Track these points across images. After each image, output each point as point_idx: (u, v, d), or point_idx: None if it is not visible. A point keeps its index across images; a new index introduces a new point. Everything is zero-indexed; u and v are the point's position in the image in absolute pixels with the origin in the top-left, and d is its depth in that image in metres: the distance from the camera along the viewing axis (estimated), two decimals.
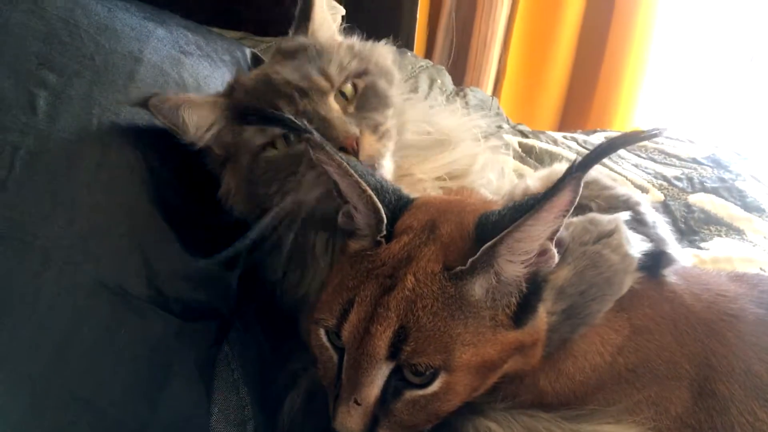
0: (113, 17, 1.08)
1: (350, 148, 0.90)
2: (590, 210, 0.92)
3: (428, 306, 0.70)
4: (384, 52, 1.13)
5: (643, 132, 0.69)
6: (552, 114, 3.10)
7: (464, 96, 2.21)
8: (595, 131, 2.23)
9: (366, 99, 1.00)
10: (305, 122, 0.78)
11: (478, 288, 0.71)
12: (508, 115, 2.41)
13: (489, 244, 0.68)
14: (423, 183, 1.00)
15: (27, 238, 0.72)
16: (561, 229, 0.70)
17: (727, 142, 2.08)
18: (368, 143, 0.93)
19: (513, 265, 0.71)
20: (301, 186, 0.93)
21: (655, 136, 0.68)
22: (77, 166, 0.84)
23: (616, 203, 0.96)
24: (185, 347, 0.83)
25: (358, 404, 0.72)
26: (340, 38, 1.13)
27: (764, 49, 2.86)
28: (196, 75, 1.16)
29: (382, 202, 0.77)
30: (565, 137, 2.05)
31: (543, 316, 0.76)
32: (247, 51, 1.54)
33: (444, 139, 1.09)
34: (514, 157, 1.85)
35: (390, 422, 0.73)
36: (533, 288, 0.73)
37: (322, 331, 0.76)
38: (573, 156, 1.86)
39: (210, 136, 0.99)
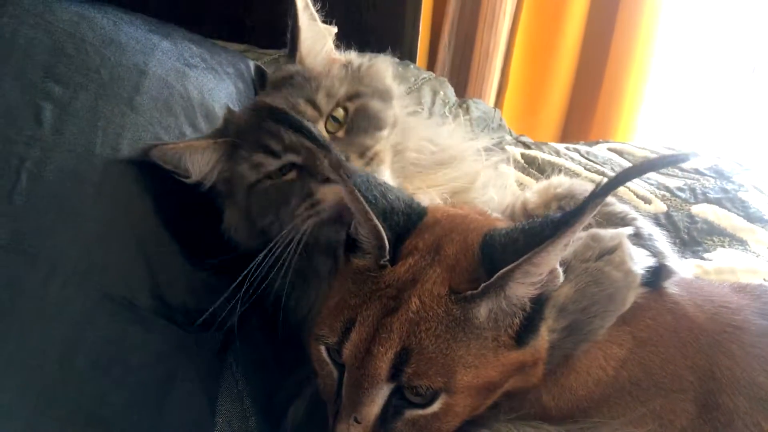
0: (118, 30, 1.09)
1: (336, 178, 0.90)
2: (590, 226, 0.92)
3: (432, 328, 0.69)
4: (382, 68, 1.12)
5: (669, 157, 0.66)
6: (554, 125, 3.10)
7: (467, 108, 2.22)
8: (597, 142, 2.23)
9: (356, 122, 0.99)
10: (325, 140, 0.77)
11: (483, 310, 0.70)
12: (511, 126, 2.41)
13: (506, 269, 0.67)
14: (424, 200, 0.99)
15: (33, 249, 0.73)
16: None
17: (730, 152, 2.08)
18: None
19: (523, 287, 0.70)
20: (294, 217, 0.92)
21: (683, 161, 0.67)
22: (83, 178, 0.85)
23: (614, 219, 0.97)
24: (189, 358, 0.84)
25: (358, 422, 0.71)
26: (336, 55, 1.12)
27: (766, 60, 2.86)
28: (201, 87, 1.17)
29: (389, 226, 0.76)
30: (567, 148, 2.05)
31: (544, 334, 0.75)
32: (251, 63, 1.55)
33: (446, 157, 1.08)
34: (516, 168, 1.85)
35: None
36: (537, 307, 0.72)
37: (322, 347, 0.76)
38: (575, 167, 1.87)
39: (215, 176, 1.00)
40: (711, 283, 0.96)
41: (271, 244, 0.91)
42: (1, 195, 0.74)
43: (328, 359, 0.76)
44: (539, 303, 0.72)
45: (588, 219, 0.64)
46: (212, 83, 1.21)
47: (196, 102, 1.13)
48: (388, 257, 0.75)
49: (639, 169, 0.65)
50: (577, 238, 0.81)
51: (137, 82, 1.02)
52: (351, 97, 1.01)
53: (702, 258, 1.41)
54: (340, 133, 0.98)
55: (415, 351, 0.69)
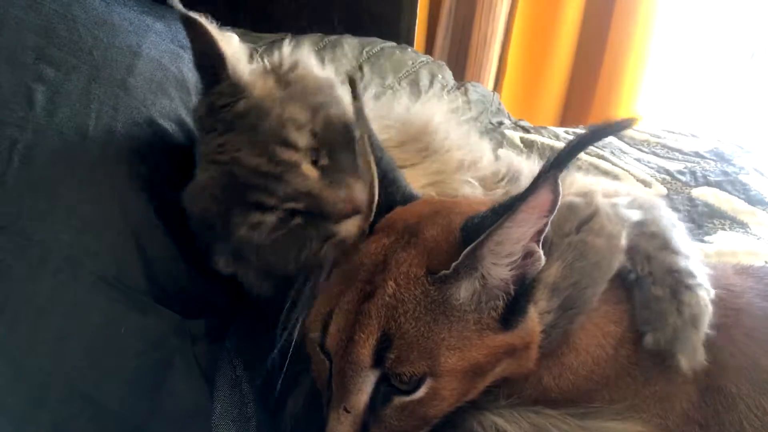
0: (111, 11, 1.07)
1: (350, 212, 0.83)
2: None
3: (410, 311, 0.69)
4: (308, 63, 0.98)
5: (613, 124, 0.65)
6: (553, 109, 3.09)
7: (465, 91, 2.20)
8: None
9: (332, 141, 0.88)
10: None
11: (463, 291, 0.70)
12: (509, 111, 2.40)
13: (470, 247, 0.67)
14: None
15: (25, 232, 0.71)
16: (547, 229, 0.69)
17: (730, 136, 2.07)
18: (359, 194, 0.84)
19: (498, 268, 0.69)
20: (319, 256, 0.85)
21: (626, 127, 0.65)
22: (75, 161, 0.83)
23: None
24: (185, 343, 0.83)
25: (348, 411, 0.71)
26: (253, 65, 0.97)
27: (765, 45, 2.85)
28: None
29: (385, 189, 0.78)
30: (567, 132, 2.05)
31: (535, 317, 0.75)
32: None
33: (414, 132, 1.03)
34: (517, 153, 1.84)
35: (380, 429, 0.72)
36: (522, 290, 0.72)
37: (313, 338, 0.76)
38: None
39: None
40: (713, 265, 0.95)
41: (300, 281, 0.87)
42: None
43: (318, 349, 0.75)
44: (524, 285, 0.72)
45: (550, 196, 0.64)
46: None
47: (191, 84, 1.11)
48: (372, 213, 0.77)
49: (584, 138, 0.64)
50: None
51: (130, 63, 1.00)
52: (314, 114, 0.89)
53: (703, 241, 1.40)
54: (323, 160, 0.87)
55: (395, 336, 0.68)
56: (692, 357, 0.78)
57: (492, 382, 0.76)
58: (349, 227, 0.84)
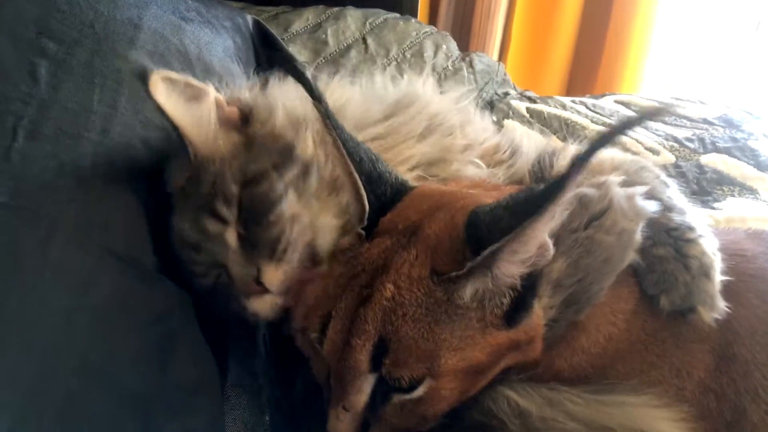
0: None
1: (255, 293, 0.82)
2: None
3: (409, 314, 0.66)
4: (282, 111, 0.91)
5: (650, 111, 0.66)
6: (559, 79, 3.06)
7: (470, 62, 2.18)
8: (604, 95, 2.19)
9: (252, 209, 0.84)
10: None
11: (469, 291, 0.67)
12: (515, 81, 2.37)
13: (492, 249, 0.62)
14: None
15: (32, 206, 0.71)
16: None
17: (738, 102, 2.05)
18: (269, 278, 0.82)
19: (512, 266, 0.66)
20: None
21: (663, 114, 0.64)
22: (80, 135, 0.83)
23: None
24: (192, 316, 0.83)
25: (347, 410, 0.71)
26: (223, 107, 0.92)
27: None
28: (198, 42, 1.14)
29: (375, 195, 0.74)
30: (573, 101, 2.03)
31: (539, 312, 0.72)
32: (249, 18, 1.51)
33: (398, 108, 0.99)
34: (523, 124, 1.83)
35: (381, 426, 0.71)
36: (528, 285, 0.69)
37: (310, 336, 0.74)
38: (582, 120, 1.84)
39: None
40: (725, 230, 0.94)
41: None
42: None
43: (316, 347, 0.74)
44: (530, 281, 0.69)
45: (575, 188, 0.61)
46: (209, 37, 1.18)
47: (193, 56, 1.10)
48: (364, 224, 0.74)
49: (620, 126, 0.60)
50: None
51: (132, 36, 0.99)
52: (244, 185, 0.85)
53: (712, 208, 1.40)
54: (244, 233, 0.85)
55: (392, 341, 0.66)
56: (712, 306, 0.77)
57: (497, 374, 0.74)
58: (258, 305, 0.83)
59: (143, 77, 0.83)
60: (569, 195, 0.60)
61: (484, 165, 0.98)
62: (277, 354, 0.92)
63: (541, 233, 0.64)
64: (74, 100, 0.85)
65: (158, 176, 0.90)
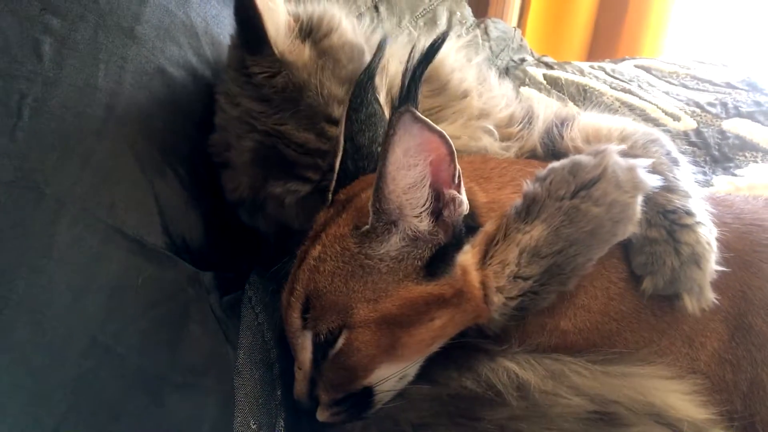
0: None
1: None
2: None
3: (328, 269, 0.71)
4: (343, 27, 0.96)
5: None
6: (580, 44, 3.00)
7: (485, 28, 2.14)
8: (623, 59, 2.14)
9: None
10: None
11: (384, 244, 0.71)
12: (534, 47, 2.33)
13: (370, 201, 0.68)
14: None
15: (39, 186, 0.71)
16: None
17: (761, 66, 1.99)
18: None
19: (416, 219, 0.70)
20: None
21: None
22: (86, 112, 0.82)
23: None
24: (201, 293, 0.83)
25: (299, 368, 0.76)
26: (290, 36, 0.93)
27: None
28: (204, 15, 1.12)
29: (351, 159, 0.80)
30: (592, 67, 1.98)
31: (469, 264, 0.73)
32: None
33: None
34: (540, 91, 1.79)
35: (324, 384, 0.75)
36: (454, 239, 0.72)
37: None
38: (600, 86, 1.80)
39: None
40: (743, 198, 0.91)
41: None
42: (3, 132, 0.72)
43: None
44: (455, 234, 0.71)
45: (414, 138, 0.63)
46: (216, 9, 1.16)
47: (200, 30, 1.08)
48: (333, 184, 0.80)
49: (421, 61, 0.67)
50: (558, 170, 0.76)
51: (137, 11, 0.98)
52: (348, 88, 0.89)
53: (733, 174, 1.36)
54: None
55: (313, 296, 0.72)
56: (699, 297, 0.75)
57: (447, 334, 0.75)
58: None
59: None
60: (408, 142, 0.63)
61: (498, 135, 0.97)
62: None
63: (407, 179, 0.66)
64: (79, 77, 0.84)
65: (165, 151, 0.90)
